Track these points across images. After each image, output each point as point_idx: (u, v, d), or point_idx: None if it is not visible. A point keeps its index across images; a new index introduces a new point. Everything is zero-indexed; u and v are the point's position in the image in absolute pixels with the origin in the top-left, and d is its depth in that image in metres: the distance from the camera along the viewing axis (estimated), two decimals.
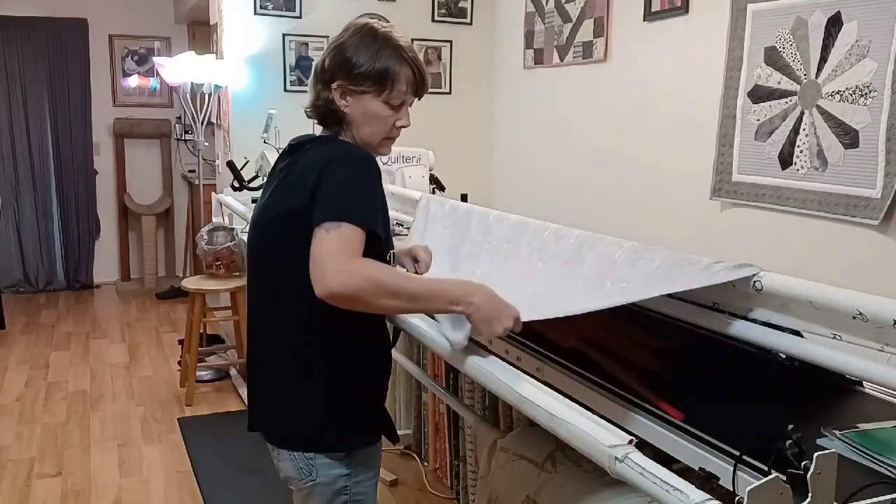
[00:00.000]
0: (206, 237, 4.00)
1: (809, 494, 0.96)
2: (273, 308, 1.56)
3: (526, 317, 1.35)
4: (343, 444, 1.55)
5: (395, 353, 1.95)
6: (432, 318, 1.50)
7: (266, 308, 1.58)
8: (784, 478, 0.93)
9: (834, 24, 2.66)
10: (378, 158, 1.61)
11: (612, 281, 1.57)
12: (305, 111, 1.60)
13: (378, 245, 1.45)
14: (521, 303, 1.37)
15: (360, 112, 1.51)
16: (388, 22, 1.55)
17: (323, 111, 1.55)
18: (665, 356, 1.35)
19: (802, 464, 0.99)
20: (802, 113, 2.80)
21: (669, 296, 1.50)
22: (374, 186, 1.45)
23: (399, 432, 3.20)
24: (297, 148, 1.56)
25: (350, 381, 1.54)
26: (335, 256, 1.32)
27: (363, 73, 1.48)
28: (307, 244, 1.36)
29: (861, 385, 1.47)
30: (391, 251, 1.59)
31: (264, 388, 1.62)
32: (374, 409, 1.61)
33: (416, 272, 1.74)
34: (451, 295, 1.35)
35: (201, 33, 6.02)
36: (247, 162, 3.85)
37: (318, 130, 1.62)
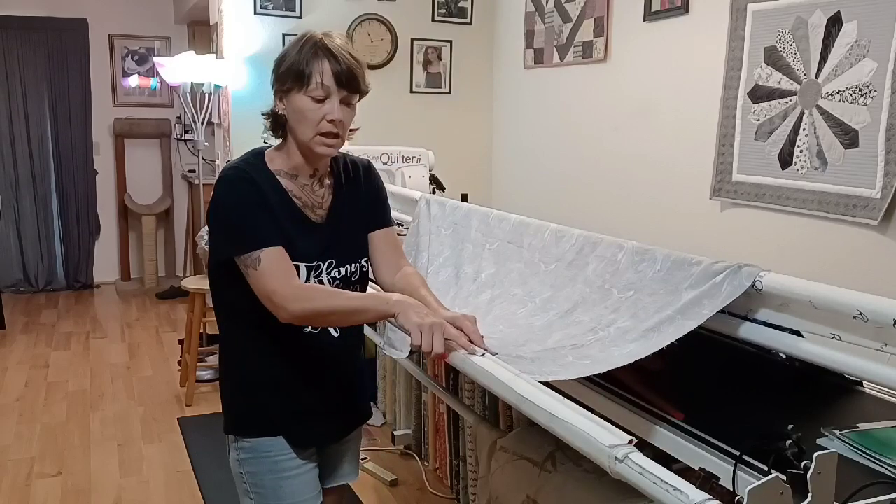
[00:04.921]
0: (206, 237, 4.00)
1: (809, 494, 0.96)
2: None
3: (546, 377, 1.31)
4: (233, 428, 1.65)
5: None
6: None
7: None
8: (784, 478, 0.93)
9: (834, 24, 2.66)
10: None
11: (618, 289, 1.57)
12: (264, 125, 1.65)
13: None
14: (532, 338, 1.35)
15: (292, 112, 1.53)
16: (332, 31, 1.56)
17: (271, 120, 1.59)
18: (665, 356, 1.35)
19: (802, 464, 0.99)
20: (802, 113, 2.80)
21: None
22: (253, 203, 1.51)
23: (399, 432, 3.20)
24: None
25: (244, 375, 1.65)
26: (276, 289, 1.45)
27: (285, 70, 1.51)
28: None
29: (861, 385, 1.47)
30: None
31: None
32: (261, 407, 1.65)
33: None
34: (383, 302, 1.47)
35: (201, 33, 6.01)
36: None
37: None
